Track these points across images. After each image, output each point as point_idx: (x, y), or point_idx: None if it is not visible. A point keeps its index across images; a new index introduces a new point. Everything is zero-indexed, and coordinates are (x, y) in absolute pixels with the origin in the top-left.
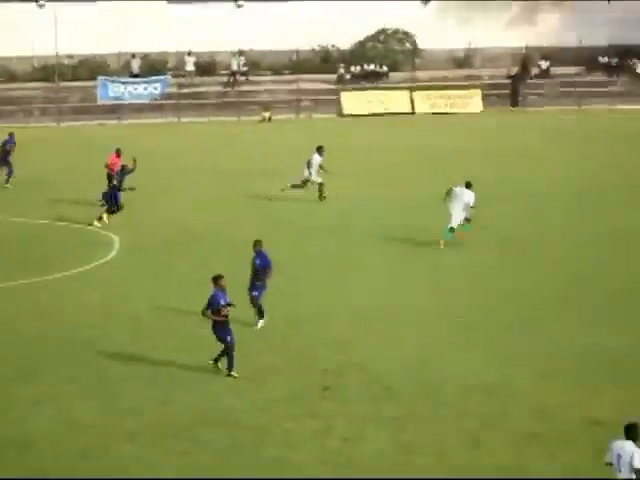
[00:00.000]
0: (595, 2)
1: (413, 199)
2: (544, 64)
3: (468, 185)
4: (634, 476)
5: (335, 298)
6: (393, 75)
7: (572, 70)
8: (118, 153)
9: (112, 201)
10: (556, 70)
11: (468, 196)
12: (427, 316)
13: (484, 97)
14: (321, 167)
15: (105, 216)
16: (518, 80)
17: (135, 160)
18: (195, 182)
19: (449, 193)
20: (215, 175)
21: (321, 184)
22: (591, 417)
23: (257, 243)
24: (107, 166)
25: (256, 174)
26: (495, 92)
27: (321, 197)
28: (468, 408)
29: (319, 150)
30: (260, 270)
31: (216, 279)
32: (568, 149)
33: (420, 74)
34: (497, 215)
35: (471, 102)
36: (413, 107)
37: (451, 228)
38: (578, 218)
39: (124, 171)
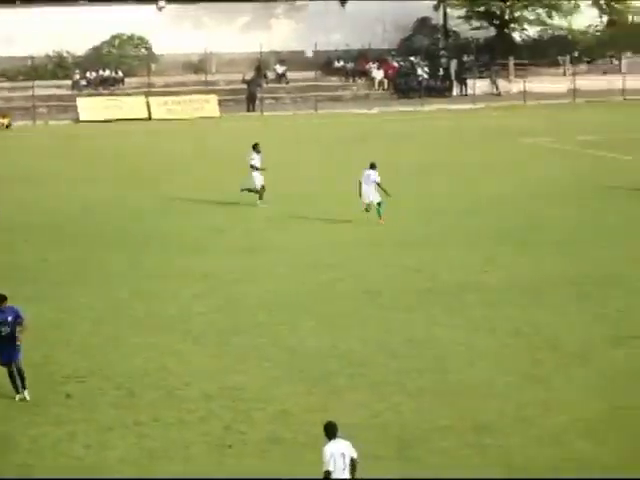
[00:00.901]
0: (329, 7)
1: (159, 201)
2: (280, 69)
3: (372, 166)
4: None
5: (74, 304)
6: (129, 81)
7: (308, 74)
8: None
9: None
10: (292, 75)
11: (374, 176)
12: (165, 322)
13: (221, 102)
14: (252, 166)
15: None
16: (254, 85)
17: None
18: None
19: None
20: None
21: (262, 187)
22: (331, 418)
23: (2, 299)
24: None
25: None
26: (231, 97)
27: (257, 193)
28: (211, 413)
29: (255, 148)
30: (12, 328)
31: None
32: (307, 152)
33: (156, 79)
34: (251, 218)
35: (207, 107)
36: (150, 113)
37: (378, 203)
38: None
39: None
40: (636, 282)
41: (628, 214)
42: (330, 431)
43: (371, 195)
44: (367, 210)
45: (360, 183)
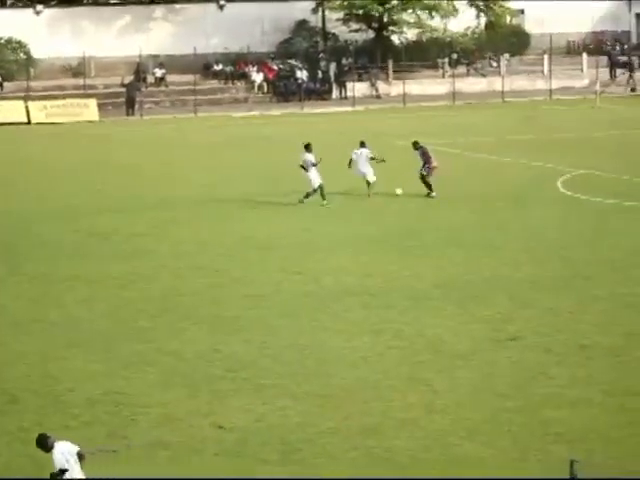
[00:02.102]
0: (208, 10)
1: (44, 208)
2: (159, 72)
3: (363, 144)
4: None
5: None
6: (8, 85)
7: (187, 78)
8: None
9: None
10: (172, 78)
11: (367, 152)
12: (49, 328)
13: (100, 106)
14: (314, 165)
15: None
16: (133, 88)
17: None
18: None
19: (351, 161)
20: None
21: (321, 186)
22: (216, 422)
23: None
24: None
25: None
26: (111, 101)
27: (323, 198)
28: (95, 418)
29: (307, 148)
30: None
31: None
32: (189, 155)
33: (35, 84)
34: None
35: (87, 111)
36: (29, 117)
37: (368, 182)
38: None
39: None
40: (517, 285)
41: (509, 216)
42: (44, 442)
43: (366, 169)
44: (368, 184)
45: (351, 161)
